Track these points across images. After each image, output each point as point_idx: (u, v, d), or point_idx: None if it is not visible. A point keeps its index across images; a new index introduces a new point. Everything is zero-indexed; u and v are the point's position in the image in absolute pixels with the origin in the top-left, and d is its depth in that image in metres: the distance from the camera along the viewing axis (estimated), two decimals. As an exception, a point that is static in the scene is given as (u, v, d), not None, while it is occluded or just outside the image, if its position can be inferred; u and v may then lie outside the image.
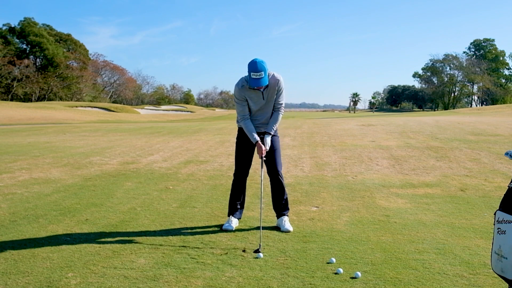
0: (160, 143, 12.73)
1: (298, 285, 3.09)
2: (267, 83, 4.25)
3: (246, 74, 4.25)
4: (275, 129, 4.49)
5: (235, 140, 4.69)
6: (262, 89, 4.32)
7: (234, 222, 4.54)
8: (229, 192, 4.69)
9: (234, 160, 4.68)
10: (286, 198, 4.62)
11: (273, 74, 4.36)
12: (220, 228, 4.46)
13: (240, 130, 4.60)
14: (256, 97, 4.38)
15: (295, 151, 10.34)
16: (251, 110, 4.46)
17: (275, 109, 4.50)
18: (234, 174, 4.66)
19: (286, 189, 4.68)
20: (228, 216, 4.63)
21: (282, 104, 4.51)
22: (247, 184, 4.72)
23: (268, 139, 4.39)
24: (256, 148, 4.42)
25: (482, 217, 4.90)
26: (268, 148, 4.40)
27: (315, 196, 5.96)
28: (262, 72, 4.13)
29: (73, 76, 72.58)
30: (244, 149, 4.58)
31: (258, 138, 4.37)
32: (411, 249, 3.83)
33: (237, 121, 4.58)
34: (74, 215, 4.96)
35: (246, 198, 4.81)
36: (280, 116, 4.52)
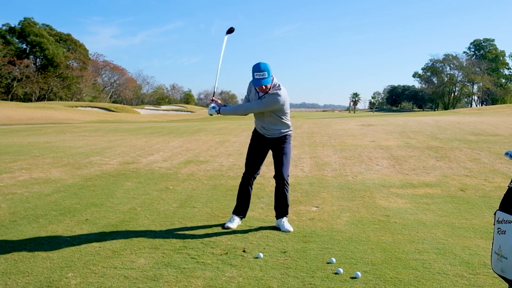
0: (160, 143, 12.73)
1: (298, 285, 3.09)
2: (270, 83, 4.29)
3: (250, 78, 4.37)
4: (229, 109, 4.54)
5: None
6: (263, 93, 4.36)
7: (237, 221, 4.55)
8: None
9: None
10: (288, 202, 4.58)
11: (278, 84, 4.37)
12: (222, 227, 4.47)
13: (254, 130, 4.69)
14: (254, 98, 4.49)
15: (295, 151, 10.34)
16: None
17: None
18: (243, 174, 4.70)
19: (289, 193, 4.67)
20: (232, 214, 4.65)
21: (264, 97, 4.38)
22: None
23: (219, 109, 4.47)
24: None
25: (482, 217, 4.90)
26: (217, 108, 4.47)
27: (315, 196, 5.96)
28: (265, 72, 4.22)
29: (73, 76, 72.62)
30: (255, 150, 4.62)
31: (218, 105, 4.51)
32: (411, 249, 3.83)
33: (255, 121, 4.65)
34: (74, 215, 4.96)
35: None
36: (251, 104, 4.43)
